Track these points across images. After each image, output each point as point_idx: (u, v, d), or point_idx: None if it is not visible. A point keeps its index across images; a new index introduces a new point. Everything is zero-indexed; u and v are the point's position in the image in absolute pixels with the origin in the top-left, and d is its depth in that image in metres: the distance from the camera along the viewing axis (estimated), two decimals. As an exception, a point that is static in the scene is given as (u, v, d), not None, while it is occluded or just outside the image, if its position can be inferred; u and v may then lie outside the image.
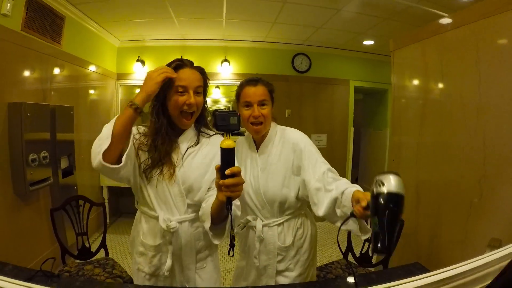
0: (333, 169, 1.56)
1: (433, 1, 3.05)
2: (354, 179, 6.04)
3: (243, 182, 1.14)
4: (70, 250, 2.49)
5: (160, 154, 1.41)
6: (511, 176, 1.94)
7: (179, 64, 1.41)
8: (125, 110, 1.31)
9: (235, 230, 1.28)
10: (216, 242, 1.32)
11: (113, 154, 1.29)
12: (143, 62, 4.79)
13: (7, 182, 2.65)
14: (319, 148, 1.67)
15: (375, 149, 5.98)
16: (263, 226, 1.67)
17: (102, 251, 2.60)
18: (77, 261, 2.49)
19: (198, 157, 1.46)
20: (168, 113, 1.43)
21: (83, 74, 3.92)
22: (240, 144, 1.78)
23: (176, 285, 1.51)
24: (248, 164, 1.70)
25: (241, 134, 1.15)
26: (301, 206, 1.70)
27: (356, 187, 1.32)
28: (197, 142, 1.48)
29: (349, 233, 2.52)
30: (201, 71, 1.47)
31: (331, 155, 5.31)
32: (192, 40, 4.78)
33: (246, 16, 3.94)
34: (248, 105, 1.60)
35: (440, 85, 2.63)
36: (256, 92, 1.59)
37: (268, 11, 3.70)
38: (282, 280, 1.68)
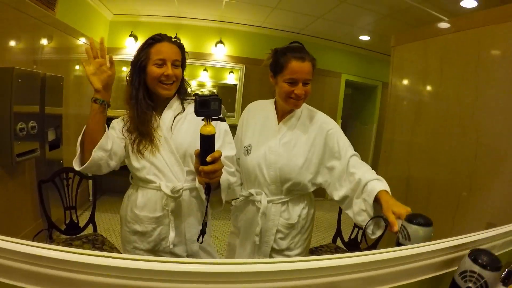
0: (357, 153, 1.51)
1: (435, 4, 3.10)
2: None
3: (222, 167, 1.14)
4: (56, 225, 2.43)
5: (144, 122, 1.41)
6: (500, 171, 2.04)
7: (157, 38, 1.43)
8: (91, 107, 1.28)
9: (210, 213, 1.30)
10: (213, 209, 1.34)
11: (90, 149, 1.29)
12: (136, 38, 4.65)
13: (-8, 152, 2.53)
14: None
15: (360, 143, 6.06)
16: (268, 202, 1.56)
17: (90, 227, 2.54)
18: (64, 236, 2.43)
19: (186, 123, 1.46)
20: (146, 83, 1.43)
21: (74, 45, 3.78)
22: (256, 108, 1.71)
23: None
24: (265, 134, 1.59)
25: (222, 119, 1.12)
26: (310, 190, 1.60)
27: (380, 182, 1.31)
28: (183, 110, 1.49)
29: (339, 218, 2.57)
30: (179, 45, 1.48)
31: (318, 146, 5.39)
32: (188, 19, 4.66)
33: (248, -1, 3.89)
34: (293, 82, 1.46)
35: (438, 84, 2.71)
36: (303, 70, 1.45)
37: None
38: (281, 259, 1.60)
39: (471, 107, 2.33)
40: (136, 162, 1.42)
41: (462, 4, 3.03)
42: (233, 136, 1.65)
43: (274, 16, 4.37)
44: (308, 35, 4.95)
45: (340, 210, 2.57)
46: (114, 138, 1.39)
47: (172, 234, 1.41)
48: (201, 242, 1.22)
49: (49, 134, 3.18)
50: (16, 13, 2.68)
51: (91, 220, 2.55)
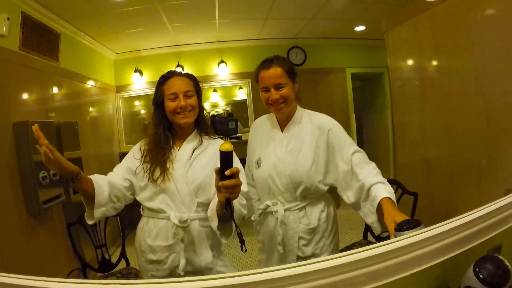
0: (361, 150, 1.53)
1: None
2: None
3: (241, 184, 1.19)
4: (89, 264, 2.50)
5: (162, 154, 1.50)
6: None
7: (167, 76, 1.56)
8: None
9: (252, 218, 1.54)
10: (223, 241, 1.40)
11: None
12: (141, 72, 4.82)
13: (20, 202, 2.64)
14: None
15: (377, 132, 6.01)
16: (285, 210, 1.60)
17: (122, 262, 2.60)
18: (99, 274, 2.49)
19: (204, 158, 1.54)
20: (166, 118, 1.55)
21: (83, 89, 3.93)
22: (261, 123, 1.78)
23: None
24: (271, 145, 1.65)
25: (239, 138, 1.17)
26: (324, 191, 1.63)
27: (384, 187, 1.34)
28: (201, 143, 1.57)
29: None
30: (189, 76, 1.58)
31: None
32: (187, 46, 4.81)
33: (239, 15, 3.99)
34: (266, 89, 1.56)
35: (436, 59, 2.70)
36: (270, 76, 1.54)
37: (259, 7, 3.74)
38: None
39: (472, 73, 2.32)
40: (150, 192, 1.50)
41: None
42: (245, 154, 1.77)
43: (268, 27, 4.43)
44: (305, 38, 5.00)
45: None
46: (116, 183, 1.51)
47: (182, 261, 1.47)
48: (245, 251, 1.25)
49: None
50: (22, 69, 2.82)
51: (123, 255, 2.60)
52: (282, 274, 0.74)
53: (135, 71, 4.80)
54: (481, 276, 0.78)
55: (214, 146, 1.55)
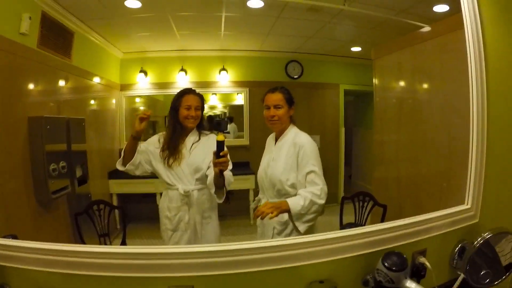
0: (316, 171, 2.01)
1: (410, 12, 3.36)
2: (347, 176, 6.27)
3: (228, 161, 1.87)
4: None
5: (174, 145, 2.23)
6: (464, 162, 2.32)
7: (187, 91, 2.27)
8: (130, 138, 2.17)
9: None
10: (219, 201, 2.11)
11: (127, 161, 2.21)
12: (145, 73, 4.96)
13: (30, 191, 2.83)
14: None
15: (366, 147, 6.15)
16: None
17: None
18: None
19: (199, 149, 2.27)
20: (179, 119, 2.25)
21: (90, 86, 4.10)
22: (270, 137, 2.30)
23: (189, 235, 2.26)
24: (268, 153, 2.23)
25: (228, 132, 1.72)
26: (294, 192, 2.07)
27: (297, 197, 1.97)
28: (199, 139, 2.30)
29: (341, 210, 2.91)
30: (200, 96, 2.30)
31: (325, 154, 5.44)
32: (192, 51, 4.97)
33: (243, 29, 4.27)
34: (267, 107, 2.11)
35: (413, 90, 3.09)
36: (272, 98, 2.10)
37: (263, 24, 4.01)
38: None
39: (440, 107, 2.68)
40: (166, 173, 2.25)
41: (435, 9, 3.27)
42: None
43: (269, 41, 4.69)
44: (304, 53, 5.22)
45: (341, 213, 2.85)
46: (145, 156, 2.25)
47: (186, 217, 2.25)
48: (229, 203, 2.08)
49: (76, 171, 3.49)
50: (38, 66, 3.03)
51: (123, 244, 2.85)
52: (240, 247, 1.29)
53: (140, 71, 4.95)
54: (386, 264, 1.26)
55: (207, 140, 2.29)
